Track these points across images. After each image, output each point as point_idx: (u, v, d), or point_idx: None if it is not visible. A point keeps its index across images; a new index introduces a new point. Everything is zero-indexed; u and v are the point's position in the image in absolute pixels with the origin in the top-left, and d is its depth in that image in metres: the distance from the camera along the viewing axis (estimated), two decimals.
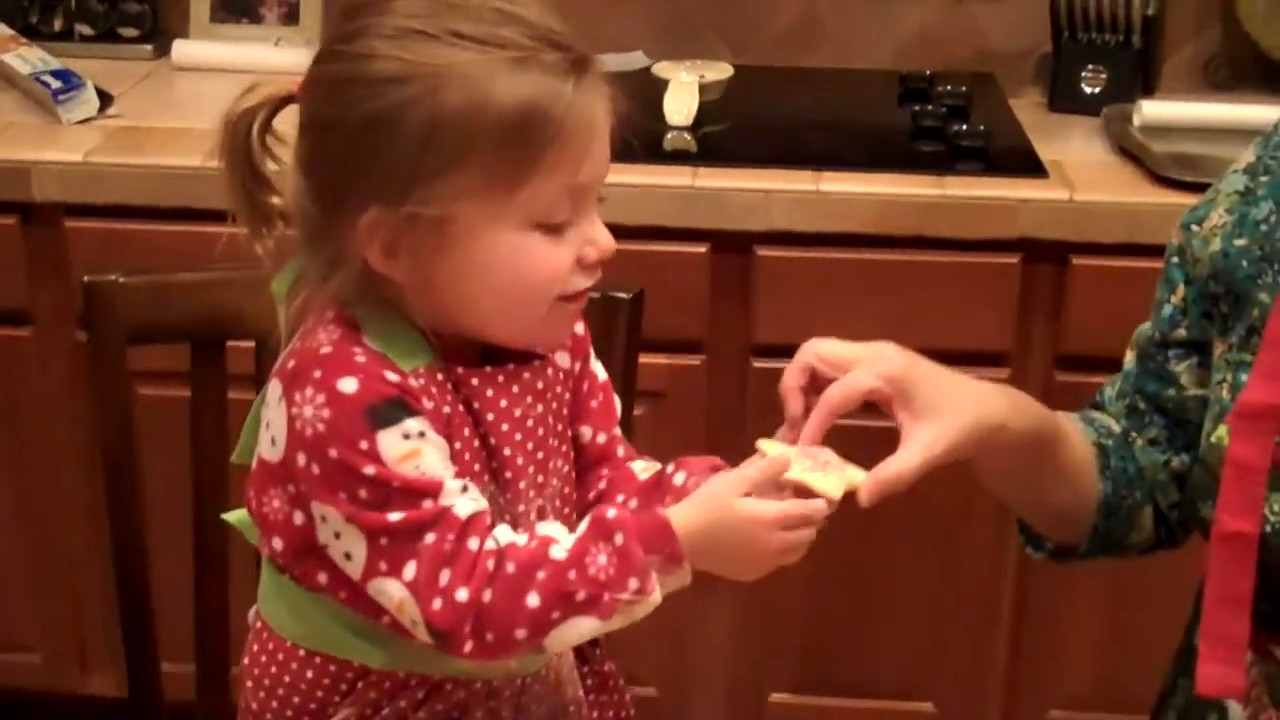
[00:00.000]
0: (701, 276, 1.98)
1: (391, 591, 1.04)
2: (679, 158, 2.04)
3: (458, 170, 1.02)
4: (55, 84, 2.12)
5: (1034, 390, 1.96)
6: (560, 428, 1.17)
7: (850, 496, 1.11)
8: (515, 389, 1.12)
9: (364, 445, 1.03)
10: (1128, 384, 1.31)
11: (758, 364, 2.02)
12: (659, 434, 1.90)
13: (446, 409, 1.07)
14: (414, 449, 1.04)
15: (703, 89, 2.17)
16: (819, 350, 1.16)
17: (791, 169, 1.97)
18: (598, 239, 1.07)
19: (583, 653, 1.27)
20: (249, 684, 1.18)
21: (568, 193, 1.05)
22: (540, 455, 1.14)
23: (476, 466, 1.10)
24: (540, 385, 1.14)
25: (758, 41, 2.42)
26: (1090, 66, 2.25)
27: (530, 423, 1.13)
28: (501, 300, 1.07)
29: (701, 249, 1.97)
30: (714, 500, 1.07)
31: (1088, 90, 2.25)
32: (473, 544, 1.04)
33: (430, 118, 1.01)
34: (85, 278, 1.40)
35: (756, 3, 2.42)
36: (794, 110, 2.27)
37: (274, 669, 1.15)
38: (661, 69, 2.26)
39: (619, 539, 1.04)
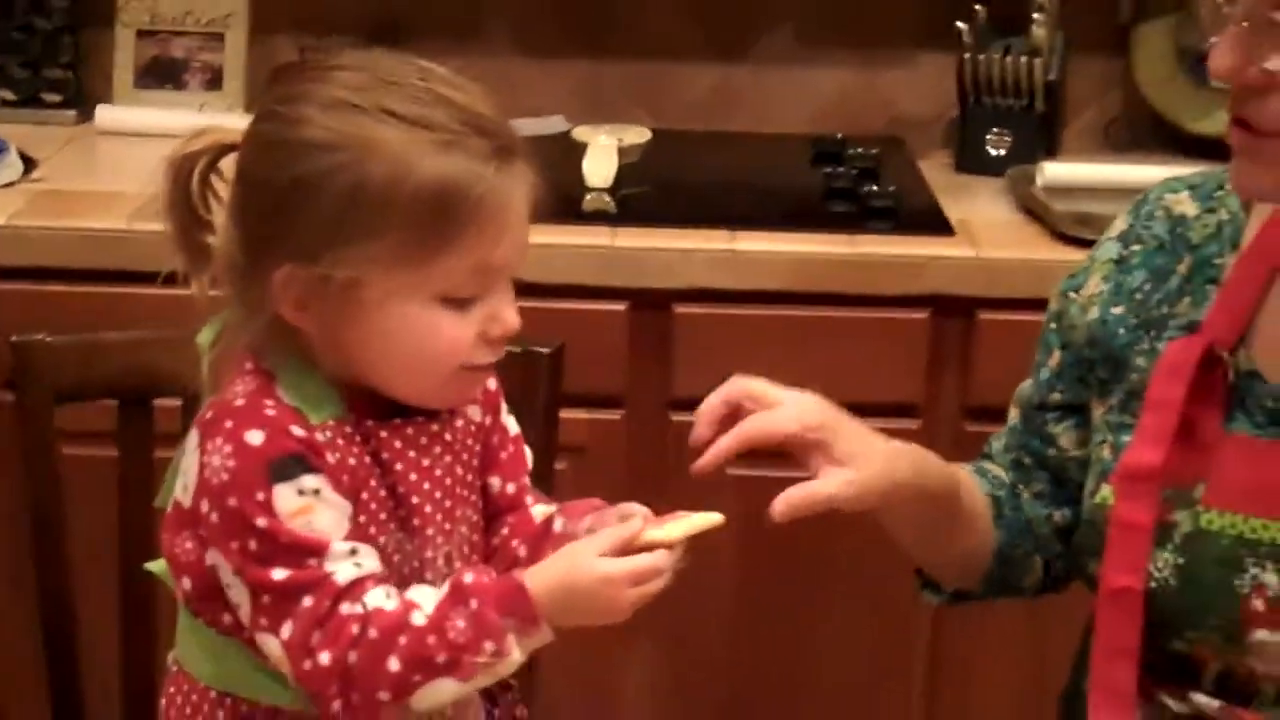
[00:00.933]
0: (621, 333, 2.02)
1: (271, 647, 1.10)
2: (598, 218, 2.09)
3: (372, 239, 1.07)
4: None
5: (944, 440, 2.05)
6: (469, 478, 1.21)
7: (730, 528, 1.18)
8: (423, 440, 1.16)
9: (260, 497, 1.08)
10: (1013, 439, 1.37)
11: (677, 418, 2.06)
12: (581, 488, 1.87)
13: (353, 460, 1.12)
14: (307, 505, 1.08)
15: (621, 152, 2.22)
16: (748, 387, 1.21)
17: (708, 229, 2.03)
18: (503, 317, 1.12)
19: (491, 694, 1.29)
20: None
21: (477, 271, 1.10)
22: (448, 504, 1.18)
23: (383, 515, 1.14)
24: (449, 437, 1.18)
25: (675, 107, 2.48)
26: (995, 129, 2.33)
27: (438, 472, 1.17)
28: (404, 365, 1.12)
29: (621, 306, 2.01)
30: (568, 561, 1.11)
31: (992, 152, 2.33)
32: (344, 608, 1.08)
33: (352, 186, 1.06)
34: (12, 338, 1.42)
35: (674, 70, 2.48)
36: (710, 172, 2.33)
37: (189, 710, 1.18)
38: (581, 133, 2.31)
39: (474, 604, 1.08)
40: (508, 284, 1.12)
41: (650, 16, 2.47)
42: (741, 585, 2.13)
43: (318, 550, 1.08)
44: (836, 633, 2.15)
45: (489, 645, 1.08)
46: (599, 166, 2.18)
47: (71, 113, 2.43)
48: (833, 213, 2.14)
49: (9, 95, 2.44)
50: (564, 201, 2.12)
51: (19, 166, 2.14)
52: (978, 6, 2.31)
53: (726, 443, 1.18)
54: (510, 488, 1.25)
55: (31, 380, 1.41)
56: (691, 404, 2.03)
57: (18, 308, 2.00)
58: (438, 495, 1.17)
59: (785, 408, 1.19)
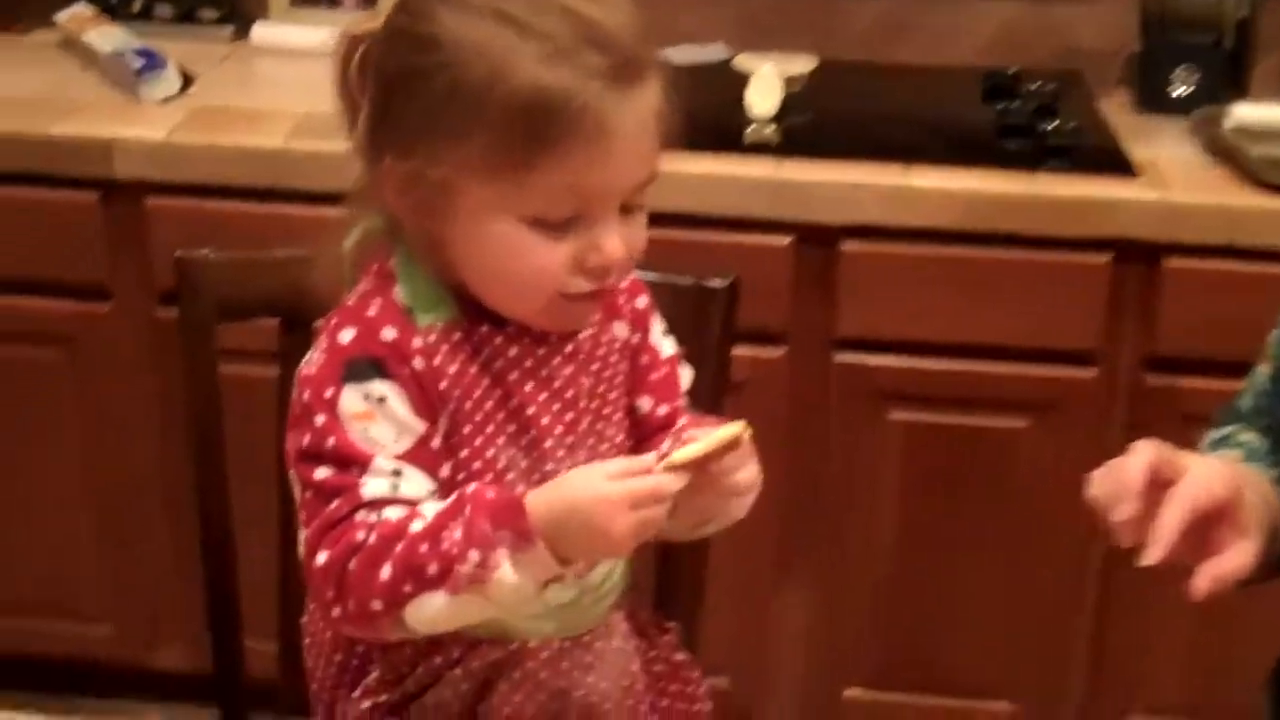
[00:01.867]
0: (785, 268, 1.95)
1: (302, 541, 1.09)
2: (763, 149, 2.02)
3: (462, 141, 1.04)
4: (138, 62, 2.11)
5: (1122, 392, 1.96)
6: (613, 395, 1.18)
7: None
8: (542, 351, 1.13)
9: (329, 394, 1.08)
10: (1265, 400, 1.25)
11: (839, 358, 2.00)
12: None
13: (455, 367, 1.10)
14: (368, 411, 1.08)
15: (786, 82, 2.14)
16: (1163, 454, 1.07)
17: (880, 162, 1.95)
18: (603, 245, 1.06)
19: (644, 630, 1.26)
20: (306, 640, 1.22)
21: (571, 193, 1.04)
22: (570, 417, 1.14)
23: (491, 427, 1.11)
24: (571, 349, 1.14)
25: (839, 37, 2.39)
26: (1180, 67, 2.21)
27: (557, 384, 1.13)
28: (496, 282, 1.09)
29: (786, 240, 1.94)
30: (569, 482, 1.05)
31: (1176, 91, 2.21)
32: (359, 516, 1.07)
33: (450, 84, 1.03)
34: (176, 253, 1.39)
35: None
36: (878, 105, 2.24)
37: (321, 623, 1.19)
38: (743, 61, 2.23)
39: (468, 512, 1.04)
40: (612, 211, 1.06)
41: None
42: (903, 532, 2.07)
43: (361, 460, 1.07)
44: (1000, 580, 2.08)
45: (474, 555, 1.03)
46: (763, 96, 2.10)
47: (228, 30, 2.41)
48: (1008, 150, 2.05)
49: (166, 11, 2.43)
50: (727, 132, 2.05)
51: (177, 81, 2.12)
52: None
53: (1173, 521, 1.02)
54: (662, 409, 1.21)
55: (194, 296, 1.37)
56: (854, 344, 2.01)
57: (173, 224, 2.00)
58: (556, 407, 1.13)
59: (1203, 470, 1.06)
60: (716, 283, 1.36)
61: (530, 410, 1.12)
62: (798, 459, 2.04)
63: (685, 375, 1.24)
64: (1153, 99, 2.23)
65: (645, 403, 1.21)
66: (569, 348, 1.14)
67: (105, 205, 2.03)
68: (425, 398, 1.09)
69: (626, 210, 1.08)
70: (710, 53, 2.37)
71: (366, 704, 1.18)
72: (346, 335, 1.10)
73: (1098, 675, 2.12)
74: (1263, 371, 1.26)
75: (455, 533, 1.03)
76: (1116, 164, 1.98)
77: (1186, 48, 2.21)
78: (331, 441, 1.08)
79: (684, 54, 2.37)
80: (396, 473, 1.08)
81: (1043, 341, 1.95)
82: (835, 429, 2.03)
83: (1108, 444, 1.98)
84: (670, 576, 1.43)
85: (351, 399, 1.08)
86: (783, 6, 2.40)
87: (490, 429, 1.11)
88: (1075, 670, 2.13)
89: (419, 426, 1.09)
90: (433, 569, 1.04)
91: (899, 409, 2.02)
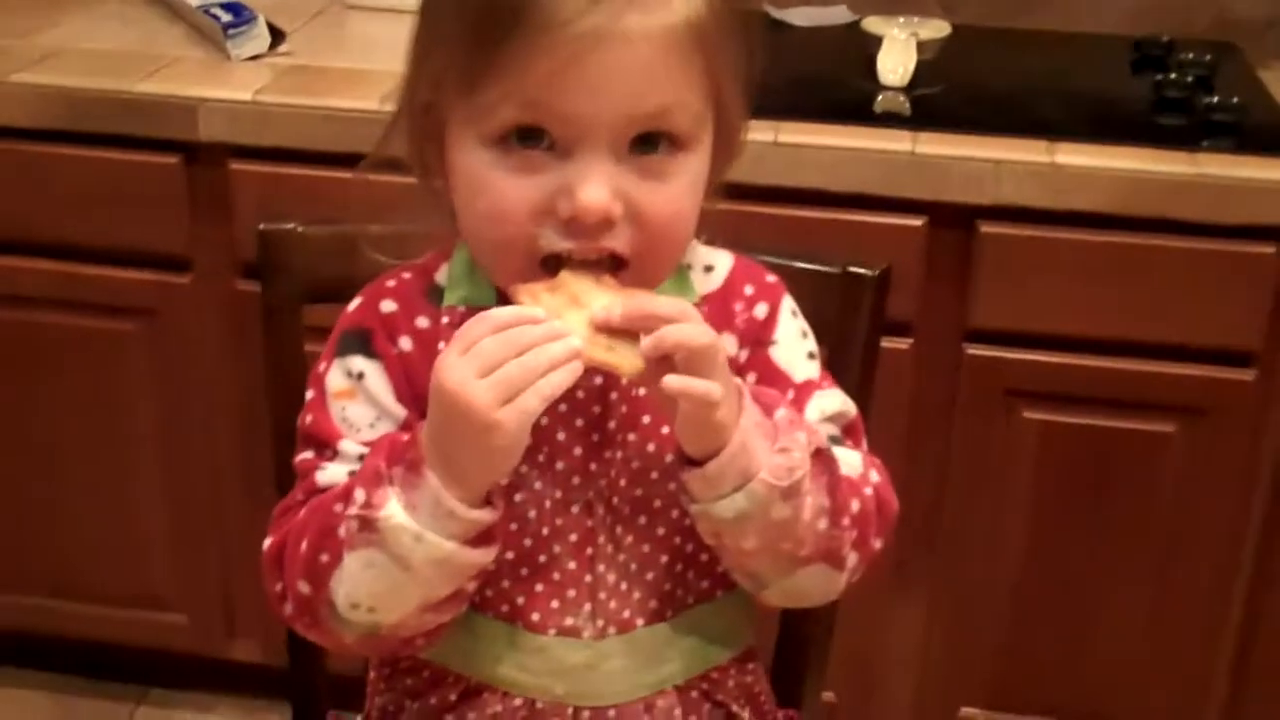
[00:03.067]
0: (917, 252, 1.79)
1: None
2: (895, 121, 1.85)
3: (433, 51, 0.93)
4: (225, 17, 2.00)
5: None
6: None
7: None
8: None
9: (322, 367, 1.02)
10: None
11: (971, 350, 1.84)
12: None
13: None
14: (349, 389, 0.99)
15: (918, 47, 1.98)
16: None
17: (1023, 138, 1.78)
18: (576, 187, 0.88)
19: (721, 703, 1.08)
20: None
21: (531, 106, 0.88)
22: (597, 438, 0.98)
23: None
24: None
25: (973, 0, 2.22)
26: None
27: (582, 394, 0.98)
28: (471, 239, 0.96)
29: (918, 221, 1.78)
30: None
31: None
32: (310, 502, 0.97)
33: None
34: (260, 226, 1.26)
35: None
36: (1018, 75, 2.07)
37: None
38: (871, 24, 2.07)
39: (370, 456, 0.91)
40: (597, 145, 0.89)
41: None
42: (1033, 540, 1.91)
43: (329, 442, 0.99)
44: (1137, 597, 1.92)
45: (360, 494, 0.89)
46: (895, 62, 1.94)
47: None
48: (1165, 126, 1.87)
49: None
50: (854, 100, 1.90)
51: (267, 38, 2.00)
52: None
53: None
54: None
55: (280, 274, 1.24)
56: (987, 337, 1.85)
57: (257, 190, 1.88)
58: (579, 423, 0.99)
59: None
60: (866, 271, 1.20)
61: (544, 420, 0.94)
62: (921, 461, 1.89)
63: (824, 404, 1.04)
64: None
65: None
66: None
67: (187, 169, 1.91)
68: (411, 384, 0.97)
69: (642, 157, 0.90)
70: (833, 15, 2.21)
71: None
72: (353, 304, 1.02)
73: (1239, 705, 1.96)
74: None
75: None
76: None
77: None
78: (309, 420, 1.00)
79: (805, 15, 2.21)
80: (361, 459, 0.95)
81: (1197, 339, 1.78)
82: (963, 427, 1.87)
83: (1262, 453, 1.83)
84: (790, 656, 1.28)
85: (336, 375, 1.00)
86: None
87: None
88: (1214, 698, 1.96)
89: (399, 412, 0.97)
90: (343, 530, 0.90)
91: (1034, 408, 1.85)
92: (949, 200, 1.77)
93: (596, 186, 0.88)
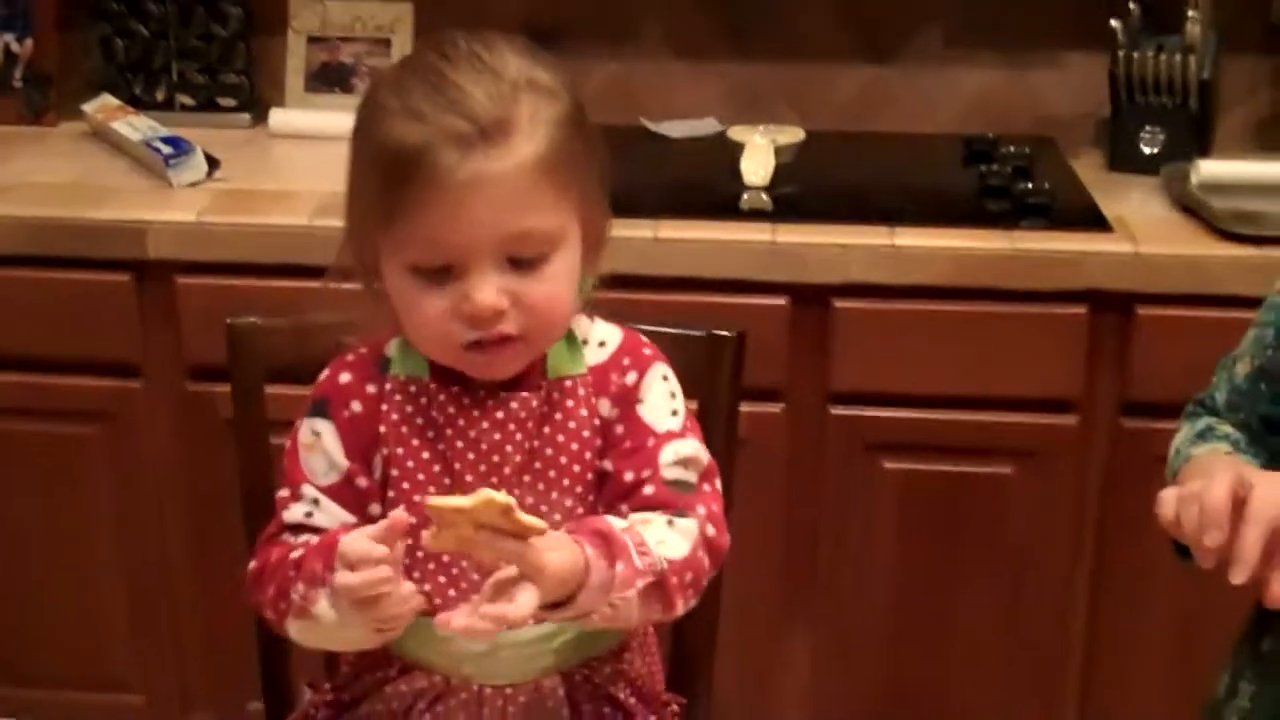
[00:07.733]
0: (781, 327, 2.06)
1: None
2: (758, 215, 2.13)
3: (359, 195, 1.19)
4: (166, 149, 2.22)
5: (1101, 436, 2.07)
6: (574, 466, 1.23)
7: None
8: (476, 412, 1.23)
9: (298, 422, 1.26)
10: (1236, 396, 1.34)
11: (836, 411, 2.10)
12: (741, 479, 1.96)
13: (397, 415, 1.23)
14: (310, 444, 1.25)
15: (777, 151, 2.26)
16: (1234, 473, 1.13)
17: (868, 225, 2.06)
18: (472, 295, 1.15)
19: (614, 701, 1.32)
20: None
21: (431, 243, 1.14)
22: (494, 481, 1.21)
23: (422, 475, 1.23)
24: (503, 415, 1.22)
25: (825, 108, 2.52)
26: (1148, 128, 2.34)
27: (484, 446, 1.23)
28: (408, 333, 1.22)
29: (781, 301, 2.06)
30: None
31: (1146, 150, 2.33)
32: (284, 535, 1.24)
33: (356, 147, 1.19)
34: (227, 320, 1.49)
35: (824, 71, 2.52)
36: (865, 171, 2.36)
37: None
38: (736, 132, 2.36)
39: (310, 550, 1.18)
40: (483, 263, 1.14)
41: (801, 19, 2.51)
42: (900, 576, 2.16)
43: (294, 483, 1.25)
44: (993, 619, 2.17)
45: (299, 589, 1.17)
46: (756, 165, 2.23)
47: (246, 116, 2.54)
48: (989, 210, 2.17)
49: (187, 100, 2.55)
50: (723, 199, 2.17)
51: (204, 166, 2.23)
52: (1132, 5, 2.32)
53: (1255, 541, 1.08)
54: (628, 475, 1.23)
55: (245, 362, 1.48)
56: (849, 398, 2.11)
57: (202, 301, 2.09)
58: (483, 469, 1.23)
59: (1272, 489, 1.11)
60: (726, 333, 1.47)
61: (457, 466, 1.23)
62: (797, 511, 2.15)
63: (679, 449, 1.24)
64: (1123, 158, 2.35)
65: (608, 464, 1.24)
66: (500, 414, 1.22)
67: (138, 285, 2.12)
68: (359, 440, 1.24)
69: (518, 263, 1.16)
70: (704, 126, 2.50)
71: (309, 695, 1.35)
72: (323, 374, 1.28)
73: (1087, 704, 2.21)
74: (1240, 370, 1.35)
75: (312, 565, 1.17)
76: (1090, 220, 2.10)
77: (1153, 110, 2.33)
78: (285, 464, 1.26)
79: (678, 128, 2.50)
80: (315, 501, 1.23)
81: (1026, 391, 2.06)
82: (832, 480, 2.14)
83: (1088, 487, 2.11)
84: (678, 653, 1.52)
85: (305, 431, 1.26)
86: (770, 81, 2.53)
87: (421, 478, 1.23)
88: (1068, 700, 2.22)
89: (345, 464, 1.24)
90: (294, 595, 1.17)
91: (893, 458, 2.12)
92: (807, 281, 2.05)
93: (486, 291, 1.15)
